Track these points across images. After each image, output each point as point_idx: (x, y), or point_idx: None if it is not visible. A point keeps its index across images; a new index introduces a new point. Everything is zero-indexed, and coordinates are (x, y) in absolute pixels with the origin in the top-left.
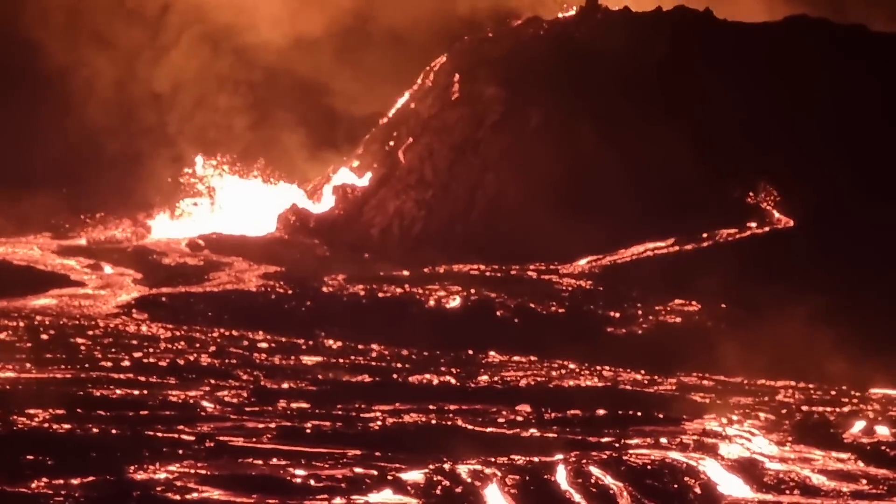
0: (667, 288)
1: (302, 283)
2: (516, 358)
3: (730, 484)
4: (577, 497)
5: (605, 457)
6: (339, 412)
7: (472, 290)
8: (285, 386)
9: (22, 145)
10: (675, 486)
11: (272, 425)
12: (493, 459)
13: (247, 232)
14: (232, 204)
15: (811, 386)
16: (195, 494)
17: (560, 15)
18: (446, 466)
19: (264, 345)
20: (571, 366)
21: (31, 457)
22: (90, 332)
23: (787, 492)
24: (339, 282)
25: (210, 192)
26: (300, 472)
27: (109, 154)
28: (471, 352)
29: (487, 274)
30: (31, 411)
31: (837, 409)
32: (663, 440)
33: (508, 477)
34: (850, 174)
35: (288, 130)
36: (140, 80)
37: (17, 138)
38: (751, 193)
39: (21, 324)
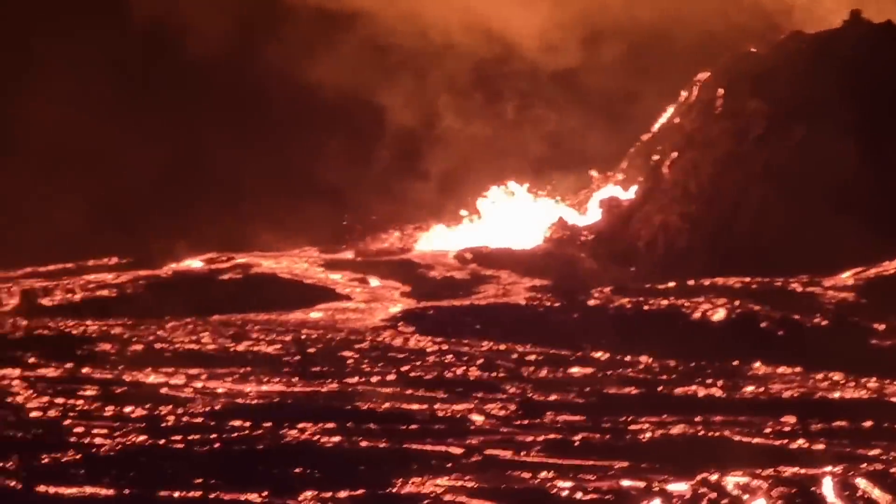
0: None
1: (569, 296)
2: (781, 369)
3: None
4: None
5: (872, 469)
6: (607, 424)
7: (737, 303)
8: (553, 398)
9: (289, 160)
10: None
11: (540, 438)
12: (759, 471)
13: (513, 245)
14: (498, 217)
15: None
16: None
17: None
18: (713, 478)
19: (532, 357)
20: (836, 377)
21: (299, 470)
22: (357, 346)
23: None
24: (606, 294)
25: (475, 204)
26: (567, 484)
27: (375, 167)
28: (736, 363)
29: (752, 286)
30: (301, 425)
31: None
32: None
33: (775, 489)
34: None
35: (551, 144)
36: (405, 91)
37: (286, 153)
38: None
39: (288, 337)
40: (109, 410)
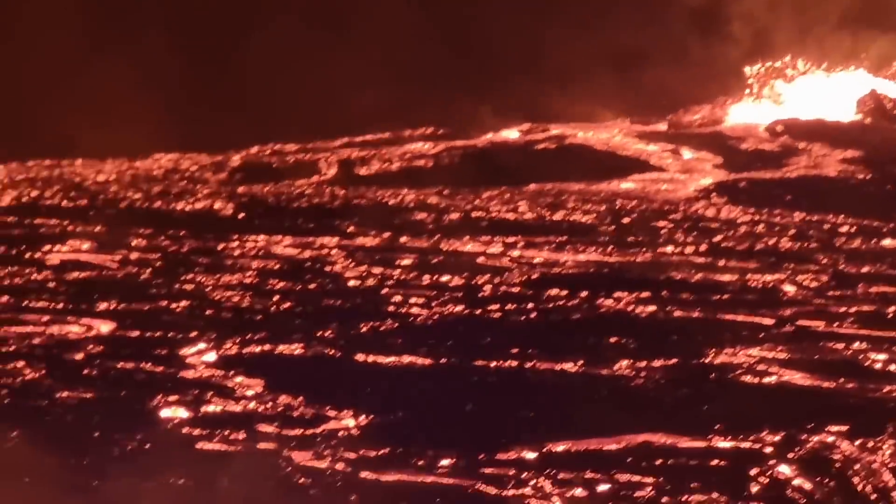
0: None
1: (881, 168)
2: None
3: None
4: None
5: None
6: None
7: None
8: (865, 270)
9: (584, 27)
10: None
11: (852, 310)
12: None
13: (825, 117)
14: (808, 87)
15: None
16: (773, 378)
17: None
18: None
19: (844, 228)
20: None
21: (614, 339)
22: (671, 216)
23: None
24: None
25: (785, 72)
26: (881, 356)
27: (675, 32)
28: None
29: None
30: (616, 294)
31: None
32: None
33: None
34: None
35: (864, 9)
36: None
37: (581, 20)
38: None
39: (602, 207)
40: (426, 280)
